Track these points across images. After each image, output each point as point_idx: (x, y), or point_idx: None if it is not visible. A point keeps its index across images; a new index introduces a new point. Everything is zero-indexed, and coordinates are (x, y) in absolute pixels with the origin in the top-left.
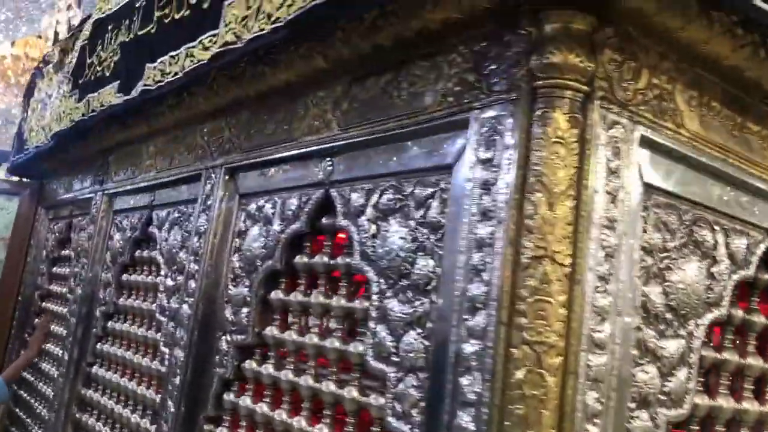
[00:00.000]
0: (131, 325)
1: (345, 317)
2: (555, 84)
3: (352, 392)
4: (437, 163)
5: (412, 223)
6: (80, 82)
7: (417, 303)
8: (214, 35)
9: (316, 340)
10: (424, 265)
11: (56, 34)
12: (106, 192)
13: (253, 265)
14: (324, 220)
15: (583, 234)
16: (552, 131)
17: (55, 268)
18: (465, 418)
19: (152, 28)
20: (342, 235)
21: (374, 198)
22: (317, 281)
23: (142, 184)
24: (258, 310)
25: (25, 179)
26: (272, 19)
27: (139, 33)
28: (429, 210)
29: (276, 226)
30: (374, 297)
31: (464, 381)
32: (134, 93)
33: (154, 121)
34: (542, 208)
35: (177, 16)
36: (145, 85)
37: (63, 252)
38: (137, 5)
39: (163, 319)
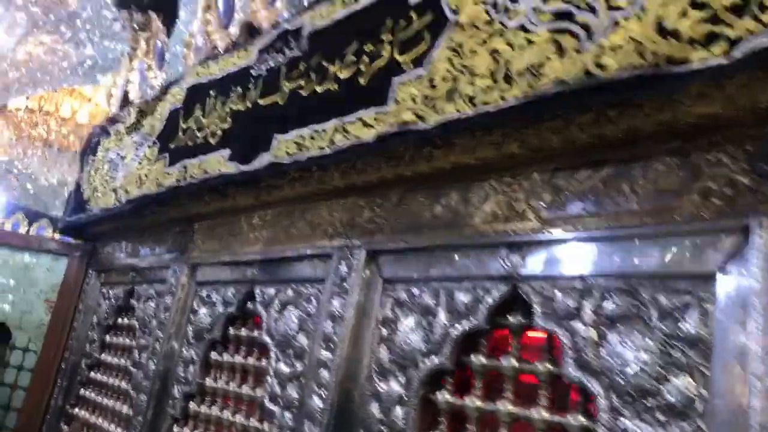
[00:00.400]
0: (222, 410)
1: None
2: None
3: None
4: (691, 270)
5: (657, 333)
6: (171, 146)
7: (673, 427)
8: (380, 112)
9: None
10: (682, 385)
11: (126, 93)
12: (188, 262)
13: (411, 360)
14: (510, 318)
15: None
16: None
17: (108, 337)
18: None
19: (280, 98)
20: (536, 337)
21: (591, 300)
22: (501, 386)
23: (241, 258)
24: (418, 411)
25: (74, 240)
26: (475, 101)
27: (260, 102)
28: (681, 321)
29: (442, 319)
30: (603, 415)
31: None
32: (257, 164)
33: (266, 193)
34: None
35: (318, 89)
36: (276, 157)
37: (120, 320)
38: (255, 74)
39: (274, 408)
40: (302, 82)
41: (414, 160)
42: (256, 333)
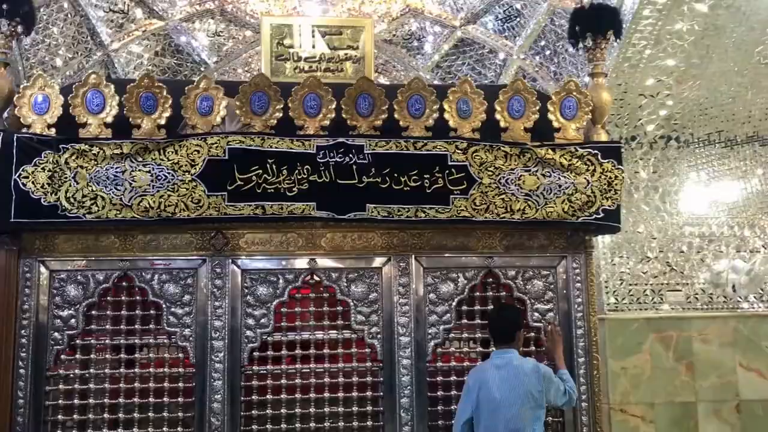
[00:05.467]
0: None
1: None
2: None
3: None
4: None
5: None
6: (229, 188)
7: None
8: (445, 208)
9: None
10: None
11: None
12: (230, 256)
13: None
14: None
15: None
16: None
17: (96, 311)
18: None
19: (358, 183)
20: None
21: None
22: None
23: (291, 257)
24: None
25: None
26: (498, 215)
27: (340, 182)
28: None
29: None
30: None
31: None
32: (352, 216)
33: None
34: None
35: (395, 187)
36: (371, 215)
37: (110, 299)
38: (321, 161)
39: None
40: (377, 180)
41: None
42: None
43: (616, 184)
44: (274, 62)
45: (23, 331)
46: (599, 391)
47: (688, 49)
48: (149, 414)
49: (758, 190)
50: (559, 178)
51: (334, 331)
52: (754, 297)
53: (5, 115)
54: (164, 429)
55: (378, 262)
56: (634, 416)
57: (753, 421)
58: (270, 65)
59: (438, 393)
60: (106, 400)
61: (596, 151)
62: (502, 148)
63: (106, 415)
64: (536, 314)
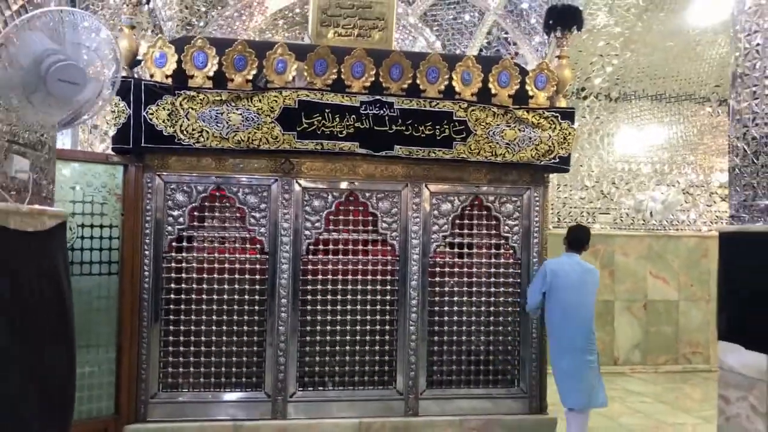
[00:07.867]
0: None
1: None
2: None
3: None
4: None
5: None
6: (297, 129)
7: None
8: (449, 150)
9: None
10: None
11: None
12: (295, 178)
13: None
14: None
15: None
16: None
17: (197, 213)
18: None
19: (389, 130)
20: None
21: None
22: None
23: (339, 178)
24: None
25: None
26: (487, 157)
27: (376, 128)
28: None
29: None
30: None
31: None
32: (384, 154)
33: (363, 160)
34: None
35: (415, 134)
36: (398, 153)
37: (208, 204)
38: (363, 113)
39: None
40: (402, 128)
41: (448, 163)
42: (353, 207)
43: (569, 138)
44: (319, 28)
45: (146, 224)
46: None
47: (632, 20)
48: (235, 286)
49: (678, 136)
50: (530, 133)
51: (366, 234)
52: (666, 221)
53: (137, 69)
54: (245, 297)
55: (399, 186)
56: None
57: (655, 316)
58: (316, 30)
59: (435, 279)
60: (204, 275)
61: (557, 114)
62: (491, 108)
63: (204, 286)
64: (506, 227)
